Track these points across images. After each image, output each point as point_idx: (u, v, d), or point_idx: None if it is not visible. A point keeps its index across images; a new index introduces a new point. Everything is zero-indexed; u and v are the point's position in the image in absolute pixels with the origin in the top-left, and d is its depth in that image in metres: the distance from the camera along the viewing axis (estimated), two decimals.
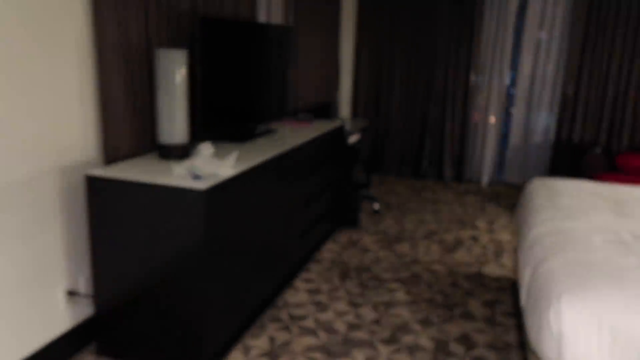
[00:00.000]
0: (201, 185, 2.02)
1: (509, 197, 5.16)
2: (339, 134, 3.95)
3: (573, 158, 5.20)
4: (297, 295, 3.03)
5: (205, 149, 2.45)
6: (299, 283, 3.18)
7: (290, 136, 3.22)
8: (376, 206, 4.60)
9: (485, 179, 5.58)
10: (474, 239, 4.02)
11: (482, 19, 5.27)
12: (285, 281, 3.15)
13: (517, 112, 5.50)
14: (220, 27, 2.69)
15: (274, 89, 3.39)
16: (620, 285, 1.76)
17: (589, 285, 1.76)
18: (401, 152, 5.78)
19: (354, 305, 2.94)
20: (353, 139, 4.46)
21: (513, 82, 5.53)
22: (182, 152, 2.40)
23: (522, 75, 5.43)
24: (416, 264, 3.53)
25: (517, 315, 2.89)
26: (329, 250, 3.69)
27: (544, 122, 5.43)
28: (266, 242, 2.73)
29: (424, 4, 5.40)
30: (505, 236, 4.09)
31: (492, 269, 3.49)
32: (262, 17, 3.87)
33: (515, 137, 5.55)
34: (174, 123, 2.35)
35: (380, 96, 5.73)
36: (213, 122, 2.72)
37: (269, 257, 2.78)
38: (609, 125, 5.13)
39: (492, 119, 5.51)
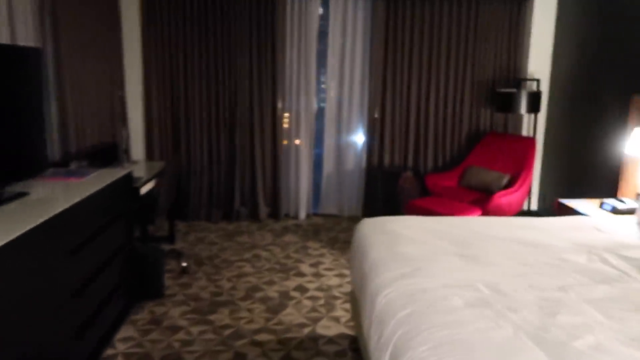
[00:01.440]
0: None
1: (328, 230, 4.81)
2: (127, 183, 3.13)
3: (386, 183, 5.08)
4: None
5: None
6: None
7: (52, 199, 2.33)
8: (184, 263, 3.83)
9: (302, 213, 5.19)
10: (301, 289, 3.51)
11: (284, 41, 4.89)
12: None
13: (328, 139, 5.24)
14: None
15: (19, 133, 2.45)
16: None
17: None
18: (209, 193, 5.09)
19: None
20: (148, 186, 3.65)
21: (322, 108, 5.27)
22: None
23: (330, 101, 5.19)
24: (238, 337, 2.86)
25: None
26: (124, 340, 2.82)
27: (355, 147, 5.26)
28: None
29: (221, 20, 4.82)
30: (333, 280, 3.66)
31: (326, 327, 2.99)
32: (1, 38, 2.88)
33: (328, 165, 5.28)
34: None
35: (178, 130, 4.98)
36: None
37: None
38: (415, 148, 5.15)
39: (301, 144, 5.16)
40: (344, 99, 5.14)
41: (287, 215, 5.23)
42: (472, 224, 2.65)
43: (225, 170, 5.07)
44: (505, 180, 4.46)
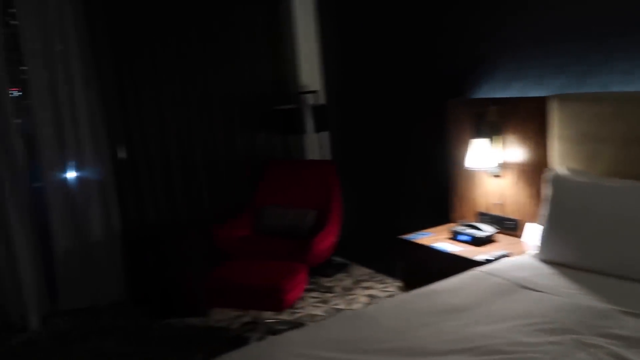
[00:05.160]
0: None
1: (84, 339, 3.18)
2: None
3: (156, 248, 3.62)
4: None
5: None
6: None
7: None
8: None
9: (34, 317, 3.37)
10: None
11: None
12: None
13: (53, 195, 3.54)
14: None
15: None
16: None
17: None
18: None
19: None
20: None
21: (31, 144, 3.54)
22: None
23: (42, 136, 3.50)
24: None
25: None
26: None
27: (98, 203, 3.66)
28: None
29: None
30: None
31: None
32: None
33: (62, 236, 3.58)
34: None
35: None
36: None
37: None
38: (185, 192, 3.86)
39: None
40: (64, 134, 3.53)
41: (8, 324, 3.36)
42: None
43: None
44: (312, 217, 3.59)
